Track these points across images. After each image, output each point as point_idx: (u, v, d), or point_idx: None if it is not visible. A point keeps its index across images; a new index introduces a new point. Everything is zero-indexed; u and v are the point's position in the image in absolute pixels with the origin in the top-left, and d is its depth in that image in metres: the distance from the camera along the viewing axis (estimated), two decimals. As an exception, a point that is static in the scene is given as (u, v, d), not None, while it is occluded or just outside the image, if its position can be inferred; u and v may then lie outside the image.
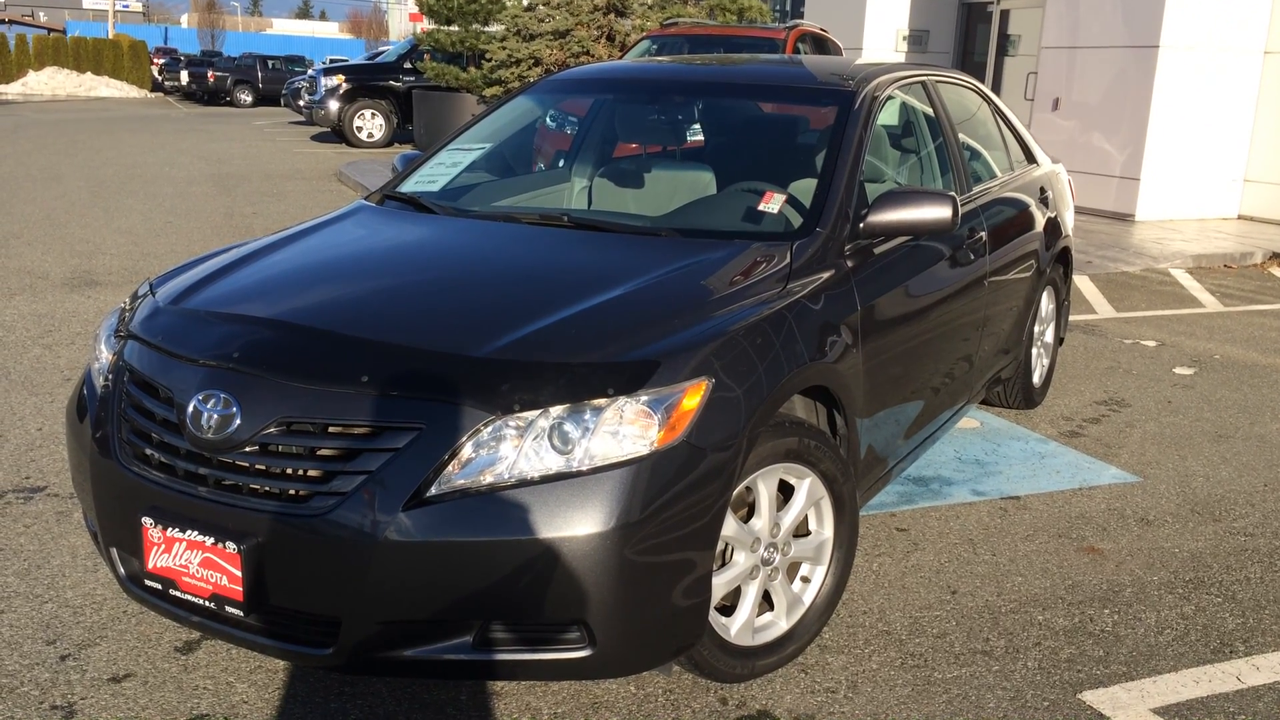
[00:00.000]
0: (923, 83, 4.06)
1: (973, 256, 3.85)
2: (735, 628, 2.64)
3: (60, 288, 7.04)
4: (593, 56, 13.34)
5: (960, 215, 3.38)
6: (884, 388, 3.17)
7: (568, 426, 2.27)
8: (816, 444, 2.70)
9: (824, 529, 2.84)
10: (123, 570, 2.58)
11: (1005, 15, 14.73)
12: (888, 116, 3.95)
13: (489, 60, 14.36)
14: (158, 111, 28.97)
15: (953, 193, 3.30)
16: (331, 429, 2.30)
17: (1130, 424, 4.93)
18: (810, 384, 2.76)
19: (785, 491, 2.74)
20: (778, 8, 18.82)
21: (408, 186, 3.76)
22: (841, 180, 3.21)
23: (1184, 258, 9.29)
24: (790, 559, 2.77)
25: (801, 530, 2.83)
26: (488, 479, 2.23)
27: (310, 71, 22.82)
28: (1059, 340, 5.27)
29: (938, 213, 3.10)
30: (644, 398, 2.31)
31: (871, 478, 3.26)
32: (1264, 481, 4.28)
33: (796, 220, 3.20)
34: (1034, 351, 4.86)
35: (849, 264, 3.07)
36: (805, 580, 2.85)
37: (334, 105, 18.04)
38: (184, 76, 35.70)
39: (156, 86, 40.68)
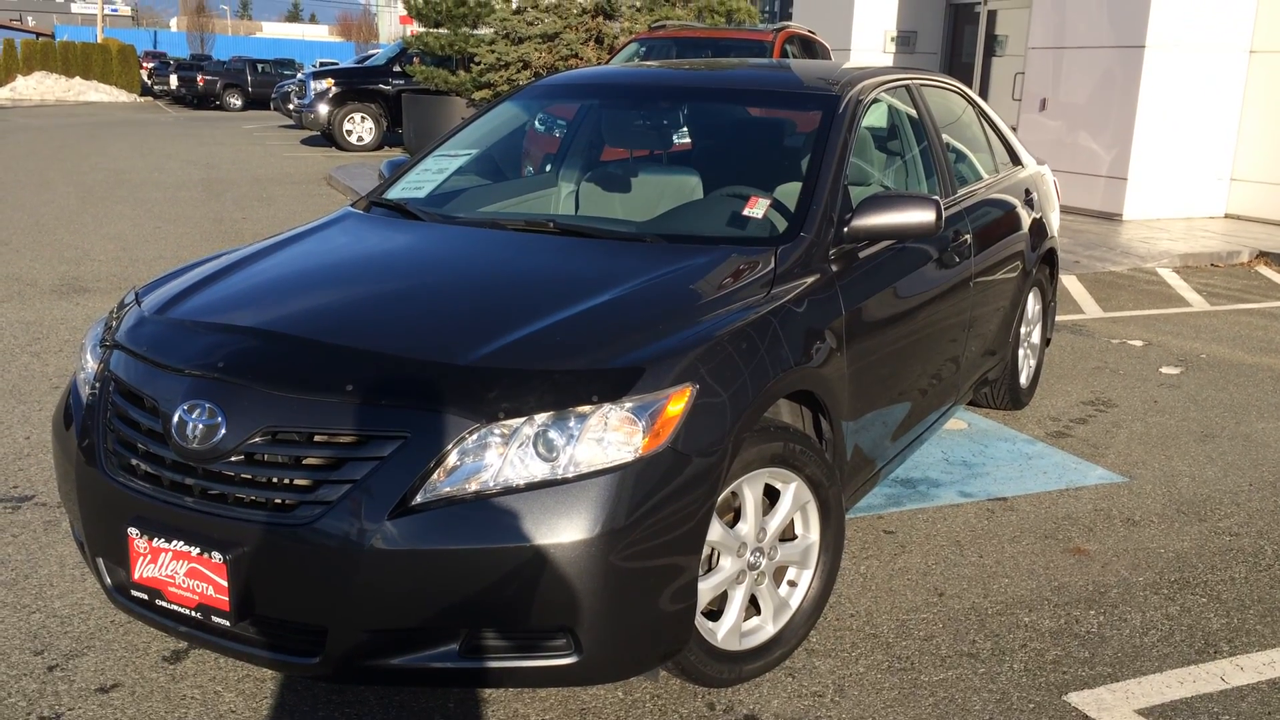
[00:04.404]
0: (907, 86, 4.08)
1: (958, 259, 3.86)
2: (722, 632, 2.65)
3: (48, 294, 7.03)
4: (581, 59, 13.35)
5: (944, 218, 3.40)
6: (870, 391, 3.18)
7: (552, 434, 2.27)
8: (802, 448, 2.72)
9: (810, 533, 2.85)
10: (109, 580, 2.58)
11: (992, 16, 14.77)
12: (873, 120, 3.96)
13: (478, 63, 14.35)
14: (147, 116, 28.90)
15: (936, 197, 3.31)
16: (317, 438, 2.30)
17: (1117, 424, 4.96)
18: (795, 389, 2.77)
19: (771, 496, 2.75)
20: (766, 9, 18.85)
21: (394, 193, 3.77)
22: (826, 185, 3.23)
23: (1171, 257, 9.33)
24: (776, 563, 2.78)
25: (788, 534, 2.84)
26: (473, 487, 2.24)
27: (300, 75, 22.80)
28: (1046, 341, 5.30)
29: (921, 217, 3.11)
30: (628, 404, 2.32)
31: (858, 480, 3.28)
32: (1249, 481, 4.30)
33: (781, 225, 3.21)
34: (1021, 352, 4.89)
35: (833, 268, 3.08)
36: (792, 584, 2.86)
37: (323, 109, 18.03)
38: (173, 80, 35.61)
39: (146, 90, 40.57)
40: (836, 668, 2.85)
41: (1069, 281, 8.33)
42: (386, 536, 2.19)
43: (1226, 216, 11.88)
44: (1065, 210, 11.38)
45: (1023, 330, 4.87)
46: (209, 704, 2.63)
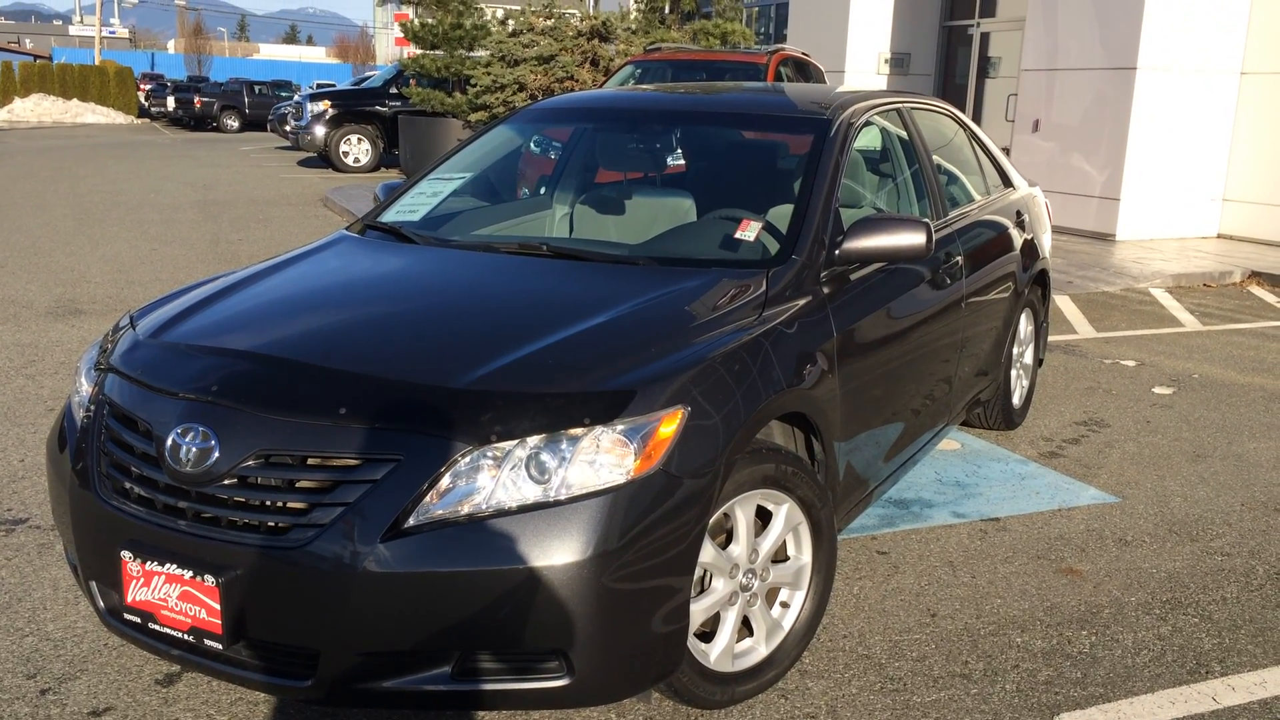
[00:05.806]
0: (898, 109, 4.12)
1: (949, 280, 3.89)
2: (715, 654, 2.66)
3: (44, 317, 7.04)
4: (577, 81, 13.43)
5: (935, 241, 3.43)
6: (862, 412, 3.20)
7: (545, 456, 2.29)
8: (794, 470, 2.73)
9: (802, 554, 2.86)
10: (102, 604, 2.58)
11: (985, 38, 14.89)
12: (864, 143, 3.99)
13: (474, 85, 14.44)
14: (144, 137, 28.98)
15: (927, 219, 3.34)
16: (310, 461, 2.31)
17: (1109, 444, 4.97)
18: (787, 410, 2.78)
19: (763, 517, 2.76)
20: (761, 32, 18.98)
21: (389, 216, 3.79)
22: (817, 208, 3.25)
23: (1164, 277, 9.38)
24: (769, 584, 2.79)
25: (780, 556, 2.85)
26: (465, 509, 2.25)
27: (297, 97, 22.90)
28: (1038, 361, 5.32)
29: (912, 239, 3.14)
30: (620, 427, 2.33)
31: (851, 501, 3.29)
32: (1241, 501, 4.32)
33: (773, 247, 3.23)
34: (1013, 373, 4.91)
35: (825, 290, 3.11)
36: (784, 605, 2.87)
37: (320, 130, 18.10)
38: (170, 102, 35.77)
39: (143, 112, 40.71)
40: (829, 689, 2.85)
41: (1062, 302, 8.37)
42: (379, 559, 2.20)
43: (1219, 237, 11.95)
44: (1059, 231, 11.45)
45: (1015, 351, 4.89)
46: (201, 727, 2.63)
